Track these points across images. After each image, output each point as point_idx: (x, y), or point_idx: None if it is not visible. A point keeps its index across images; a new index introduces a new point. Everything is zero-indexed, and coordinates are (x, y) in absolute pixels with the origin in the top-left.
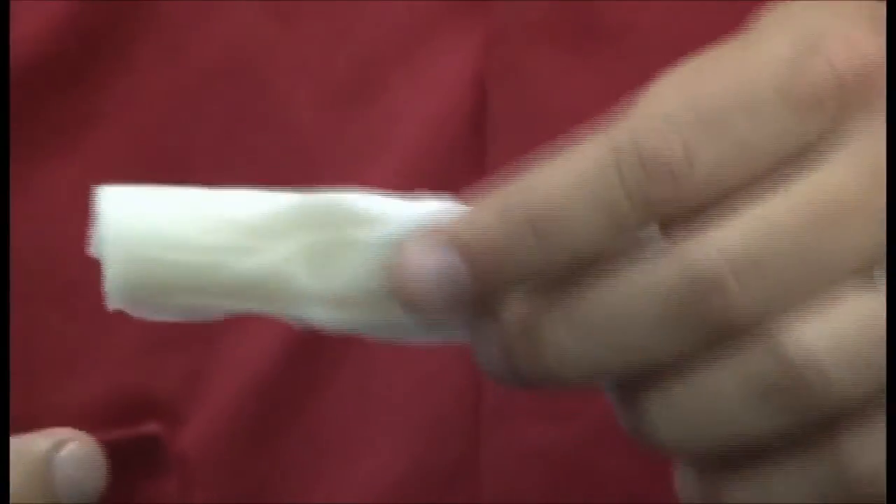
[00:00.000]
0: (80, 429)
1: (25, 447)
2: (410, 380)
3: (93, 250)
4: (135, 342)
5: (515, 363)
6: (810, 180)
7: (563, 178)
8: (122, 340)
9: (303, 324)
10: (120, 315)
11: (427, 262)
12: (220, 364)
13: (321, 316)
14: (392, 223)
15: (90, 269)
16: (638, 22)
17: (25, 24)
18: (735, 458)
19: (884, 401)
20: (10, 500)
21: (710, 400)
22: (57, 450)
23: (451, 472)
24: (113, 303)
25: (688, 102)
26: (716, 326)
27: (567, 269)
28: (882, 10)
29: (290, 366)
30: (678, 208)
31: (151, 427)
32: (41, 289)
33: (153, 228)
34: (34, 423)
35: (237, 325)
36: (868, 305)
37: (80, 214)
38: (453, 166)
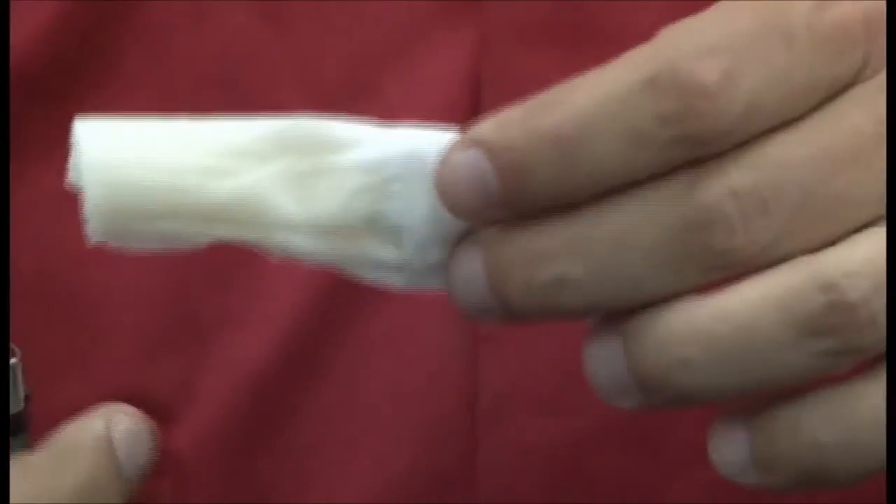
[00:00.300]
0: None
1: (84, 430)
2: (406, 379)
3: (71, 180)
4: (129, 343)
5: (507, 291)
6: (830, 124)
7: (593, 99)
8: (116, 342)
9: (281, 252)
10: (115, 317)
11: (459, 163)
12: (214, 364)
13: (299, 244)
14: (373, 149)
15: (85, 271)
16: (631, 22)
17: (15, 27)
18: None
19: None
20: (85, 485)
21: (736, 328)
22: (114, 427)
23: (449, 470)
24: (93, 233)
25: (723, 32)
26: (719, 263)
27: (585, 194)
28: None
29: (285, 365)
30: (706, 145)
31: None
32: (38, 290)
33: (130, 153)
34: (31, 423)
35: (231, 325)
36: (877, 248)
37: (76, 215)
38: None
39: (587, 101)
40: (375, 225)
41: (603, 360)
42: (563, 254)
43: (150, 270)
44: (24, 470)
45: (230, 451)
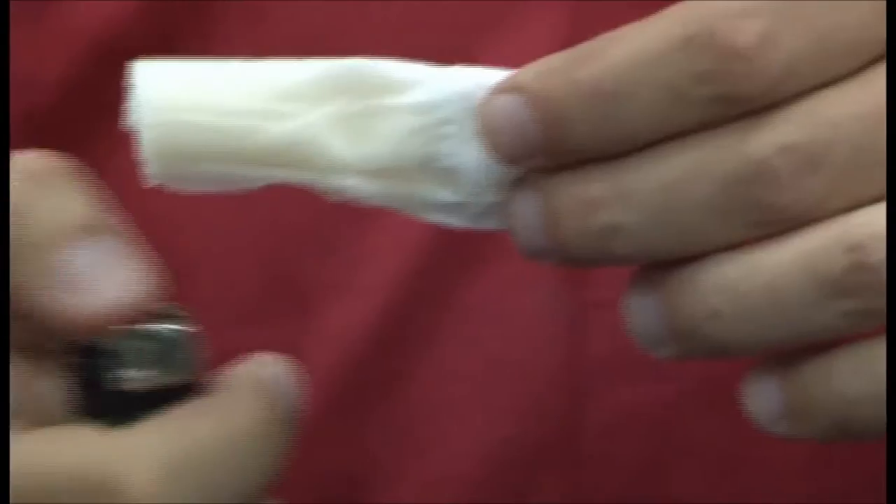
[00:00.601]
0: None
1: (244, 376)
2: (511, 344)
3: (128, 122)
4: (232, 310)
5: (562, 236)
6: (879, 84)
7: (631, 54)
8: (220, 309)
9: (333, 193)
10: (218, 284)
11: (498, 108)
12: (317, 331)
13: (353, 185)
14: (426, 91)
15: (186, 238)
16: None
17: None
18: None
19: None
20: (254, 427)
21: (764, 285)
22: (270, 373)
23: (554, 435)
24: (150, 173)
25: None
26: (765, 218)
27: (625, 145)
28: None
29: (389, 332)
30: (743, 104)
31: None
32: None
33: (186, 95)
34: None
35: (334, 292)
36: None
37: None
38: None
39: (626, 55)
40: (430, 166)
41: (641, 310)
42: (615, 202)
43: (253, 237)
44: (195, 412)
45: (333, 418)
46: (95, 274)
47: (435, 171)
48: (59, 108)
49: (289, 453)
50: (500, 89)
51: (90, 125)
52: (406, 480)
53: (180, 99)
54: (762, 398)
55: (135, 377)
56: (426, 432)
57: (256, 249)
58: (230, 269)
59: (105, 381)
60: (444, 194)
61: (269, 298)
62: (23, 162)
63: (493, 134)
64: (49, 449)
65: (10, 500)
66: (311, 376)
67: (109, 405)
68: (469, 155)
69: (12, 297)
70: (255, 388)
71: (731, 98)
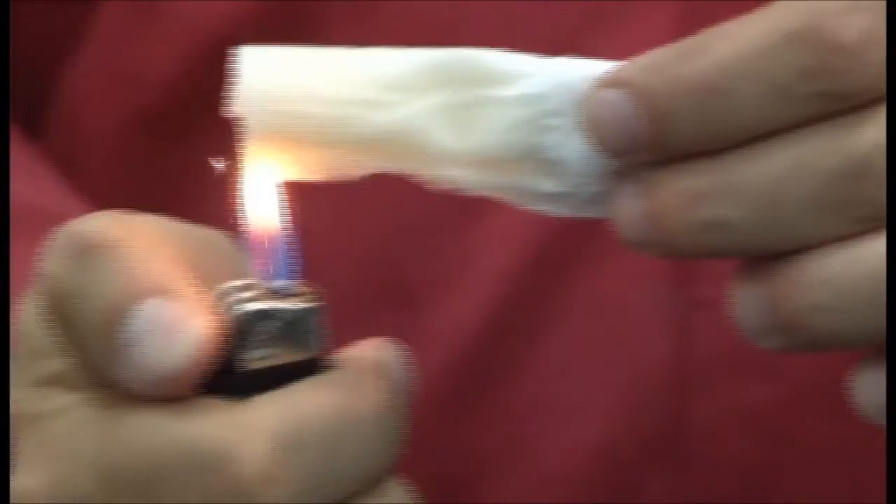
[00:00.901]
0: None
1: (366, 358)
2: (618, 342)
3: (232, 108)
4: (342, 307)
5: (666, 230)
6: None
7: (736, 50)
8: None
9: (437, 182)
10: (326, 280)
11: (603, 102)
12: (426, 328)
13: (456, 175)
14: (532, 83)
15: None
16: None
17: None
18: None
19: None
20: (379, 407)
21: (867, 277)
22: (388, 356)
23: (660, 433)
24: (253, 159)
25: None
26: (867, 213)
27: (729, 141)
28: None
29: (497, 330)
30: (845, 101)
31: None
32: None
33: (290, 82)
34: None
35: (443, 289)
36: None
37: None
38: None
39: (731, 51)
40: (533, 157)
41: (746, 302)
42: (719, 196)
43: (361, 234)
44: (327, 386)
45: (442, 415)
46: (156, 341)
47: (539, 161)
48: (170, 106)
49: (405, 439)
50: (605, 83)
51: (201, 123)
52: (511, 480)
53: (284, 86)
54: (869, 390)
55: (258, 356)
56: (532, 431)
57: (365, 248)
58: (339, 268)
59: (228, 359)
60: (548, 184)
61: (377, 297)
62: (74, 234)
63: (597, 128)
64: (171, 420)
65: (129, 469)
66: (418, 374)
67: (232, 382)
68: (573, 147)
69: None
70: (378, 370)
71: (836, 94)
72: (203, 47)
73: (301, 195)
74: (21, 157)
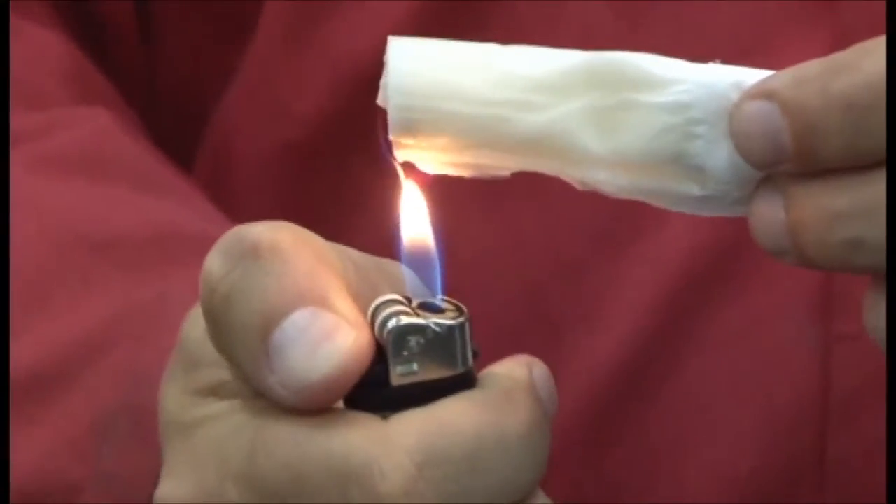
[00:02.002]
0: None
1: (515, 375)
2: (757, 374)
3: (380, 99)
4: (483, 345)
5: (804, 243)
6: None
7: (885, 67)
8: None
9: (582, 184)
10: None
11: (753, 114)
12: (569, 361)
13: (601, 178)
14: (680, 89)
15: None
16: None
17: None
18: None
19: None
20: (529, 425)
21: None
22: (535, 373)
23: (798, 466)
24: (397, 153)
25: None
26: None
27: (874, 158)
28: None
29: (638, 362)
30: None
31: None
32: None
33: (437, 79)
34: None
35: (586, 323)
36: None
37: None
38: None
39: (881, 69)
40: (679, 163)
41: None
42: (860, 215)
43: (511, 263)
44: (473, 403)
45: (583, 448)
46: (303, 349)
47: (683, 167)
48: (319, 139)
49: (548, 460)
50: (754, 94)
51: (350, 154)
52: None
53: (430, 83)
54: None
55: (405, 371)
56: (671, 462)
57: (513, 277)
58: (486, 295)
59: (376, 373)
60: (692, 188)
61: (522, 327)
62: (242, 236)
63: (744, 139)
64: (317, 432)
65: (274, 478)
66: (564, 406)
67: (378, 397)
68: (719, 154)
69: (237, 372)
70: (525, 388)
71: None
72: (352, 80)
73: (454, 217)
74: (180, 184)
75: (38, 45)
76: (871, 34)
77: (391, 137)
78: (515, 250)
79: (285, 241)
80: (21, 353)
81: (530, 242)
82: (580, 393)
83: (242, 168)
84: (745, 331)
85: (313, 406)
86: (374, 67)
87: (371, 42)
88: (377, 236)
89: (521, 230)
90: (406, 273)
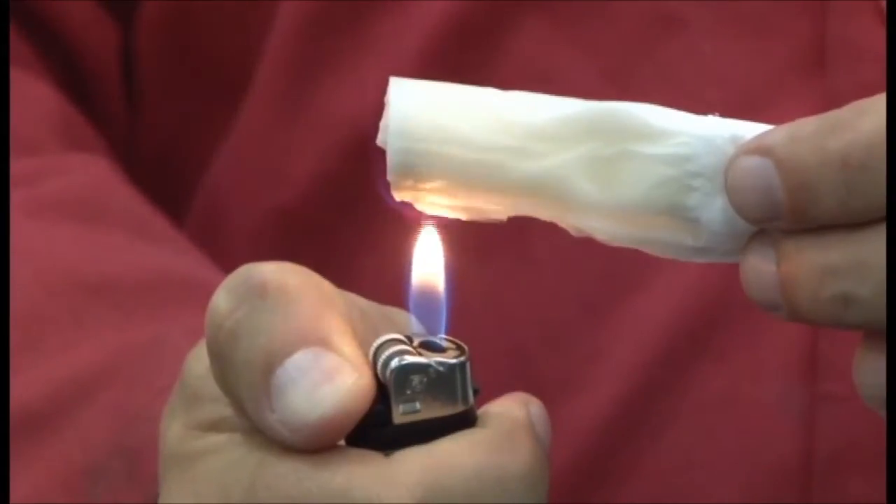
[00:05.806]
0: None
1: (513, 415)
2: (742, 437)
3: (379, 140)
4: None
5: (795, 298)
6: None
7: (881, 126)
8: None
9: (577, 231)
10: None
11: (748, 169)
12: (554, 425)
13: (596, 226)
14: (679, 142)
15: None
16: None
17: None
18: None
19: None
20: (531, 465)
21: None
22: (532, 412)
23: None
24: (394, 195)
25: None
26: None
27: (868, 216)
28: None
29: (622, 426)
30: None
31: None
32: None
33: (437, 123)
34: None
35: (571, 387)
36: None
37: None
38: None
39: (877, 127)
40: (674, 214)
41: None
42: (852, 272)
43: (490, 332)
44: (474, 442)
45: (581, 477)
46: (304, 389)
47: (679, 219)
48: (311, 202)
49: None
50: (750, 149)
51: (343, 216)
52: None
53: (429, 126)
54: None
55: (407, 409)
56: None
57: (494, 344)
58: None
59: (378, 412)
60: (687, 239)
61: (506, 387)
62: (250, 275)
63: (739, 194)
64: (319, 468)
65: None
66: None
67: (380, 435)
68: (714, 207)
69: (239, 409)
70: (524, 427)
71: None
72: (345, 144)
73: (454, 269)
74: (173, 232)
75: (28, 93)
76: (860, 97)
77: (389, 178)
78: (500, 312)
79: (293, 281)
80: (13, 392)
81: (515, 305)
82: (562, 455)
83: (234, 232)
84: (730, 392)
85: (312, 446)
86: (368, 131)
87: (364, 106)
88: (368, 296)
89: (507, 293)
90: (413, 322)
